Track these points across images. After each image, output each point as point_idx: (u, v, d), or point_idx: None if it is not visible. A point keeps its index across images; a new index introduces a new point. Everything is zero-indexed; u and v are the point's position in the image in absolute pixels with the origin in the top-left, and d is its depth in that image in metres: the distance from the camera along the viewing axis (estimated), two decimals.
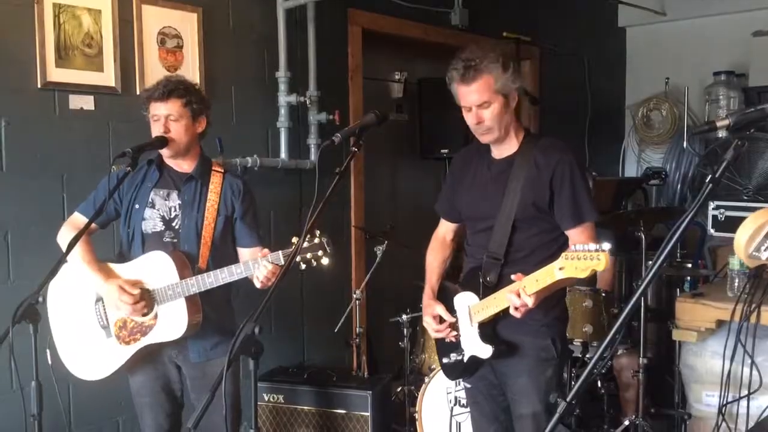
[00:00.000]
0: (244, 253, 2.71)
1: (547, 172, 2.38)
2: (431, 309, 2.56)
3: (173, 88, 2.59)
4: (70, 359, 2.70)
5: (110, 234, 2.88)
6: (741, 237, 1.69)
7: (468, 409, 2.79)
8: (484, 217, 2.48)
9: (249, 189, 2.76)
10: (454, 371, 2.61)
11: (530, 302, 2.18)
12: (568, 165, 2.39)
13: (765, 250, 1.67)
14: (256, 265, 2.45)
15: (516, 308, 2.23)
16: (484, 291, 2.41)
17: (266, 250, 2.46)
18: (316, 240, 2.30)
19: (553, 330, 2.47)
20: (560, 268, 2.07)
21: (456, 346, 2.53)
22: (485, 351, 2.41)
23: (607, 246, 1.95)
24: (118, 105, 3.25)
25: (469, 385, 2.63)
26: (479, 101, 2.34)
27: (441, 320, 2.53)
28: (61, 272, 2.70)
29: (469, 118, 2.39)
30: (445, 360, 2.59)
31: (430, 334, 2.58)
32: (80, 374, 2.70)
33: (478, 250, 2.49)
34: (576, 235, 2.39)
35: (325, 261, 2.33)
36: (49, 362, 2.56)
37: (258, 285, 2.50)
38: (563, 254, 2.06)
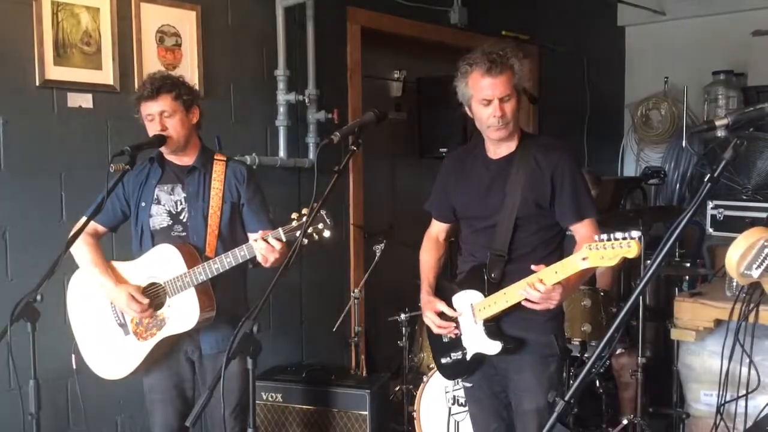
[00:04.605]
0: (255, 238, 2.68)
1: (548, 170, 2.40)
2: (432, 305, 2.55)
3: (161, 85, 2.57)
4: (93, 360, 2.71)
5: (110, 235, 2.88)
6: (733, 256, 1.69)
7: (466, 408, 2.78)
8: (485, 216, 2.48)
9: (253, 174, 2.74)
10: (453, 371, 2.60)
11: (548, 289, 2.19)
12: (568, 163, 2.42)
13: (756, 268, 1.68)
14: (257, 243, 2.43)
15: (533, 301, 2.24)
16: (489, 287, 2.41)
17: (267, 231, 2.45)
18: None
19: (555, 326, 2.49)
20: (583, 258, 2.08)
21: (455, 345, 2.52)
22: (493, 347, 2.41)
23: (636, 234, 1.96)
24: (116, 103, 3.24)
25: (469, 384, 2.61)
26: (503, 94, 2.34)
27: (442, 316, 2.53)
28: (78, 274, 2.73)
29: (488, 111, 2.36)
30: (444, 360, 2.57)
31: (432, 330, 2.56)
32: (104, 374, 2.70)
33: (479, 249, 2.50)
34: (581, 230, 2.43)
35: (326, 234, 2.31)
36: (74, 366, 2.57)
37: (262, 262, 2.49)
38: (585, 245, 2.08)
